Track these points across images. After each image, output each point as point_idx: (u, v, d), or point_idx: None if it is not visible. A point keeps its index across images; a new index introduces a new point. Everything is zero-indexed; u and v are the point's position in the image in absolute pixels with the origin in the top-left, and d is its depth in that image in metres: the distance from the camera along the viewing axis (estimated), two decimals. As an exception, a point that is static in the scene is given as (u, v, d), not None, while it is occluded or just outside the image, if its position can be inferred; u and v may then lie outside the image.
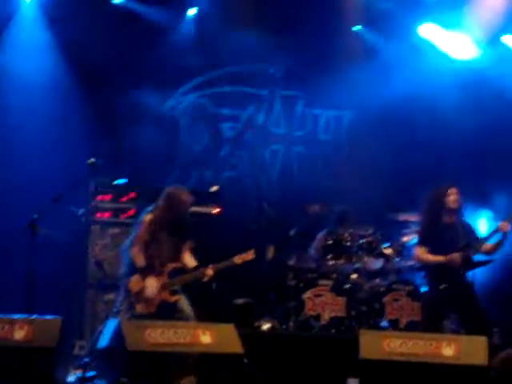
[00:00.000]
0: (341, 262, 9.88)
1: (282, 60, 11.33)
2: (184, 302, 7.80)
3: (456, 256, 7.42)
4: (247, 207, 11.21)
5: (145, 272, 7.72)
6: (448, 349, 6.60)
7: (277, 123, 11.90)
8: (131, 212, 9.80)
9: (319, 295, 9.53)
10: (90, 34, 10.43)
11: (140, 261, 7.73)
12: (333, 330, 9.38)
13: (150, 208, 8.08)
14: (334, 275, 9.70)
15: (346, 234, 9.98)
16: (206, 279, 7.86)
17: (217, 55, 11.29)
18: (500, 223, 7.44)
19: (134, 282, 7.72)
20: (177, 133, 11.54)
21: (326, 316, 9.47)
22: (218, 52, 11.23)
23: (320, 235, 10.22)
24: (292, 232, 10.24)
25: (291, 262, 10.01)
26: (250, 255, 8.00)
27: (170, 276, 7.78)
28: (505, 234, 7.43)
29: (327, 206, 10.39)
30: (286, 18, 11.20)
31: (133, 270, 7.80)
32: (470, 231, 7.61)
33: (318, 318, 9.45)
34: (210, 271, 7.81)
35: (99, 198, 9.74)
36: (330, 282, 9.59)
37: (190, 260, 7.97)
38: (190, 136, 11.66)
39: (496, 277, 9.71)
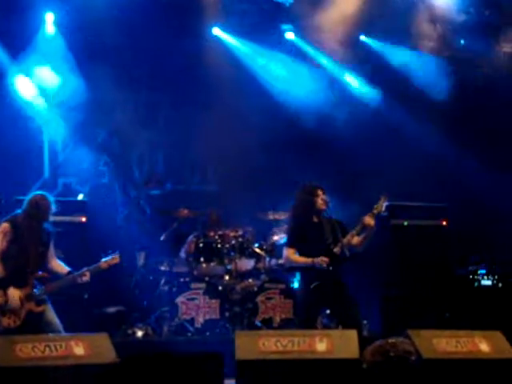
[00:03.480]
0: (213, 264, 9.92)
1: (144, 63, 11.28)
2: (50, 313, 7.60)
3: (322, 260, 7.53)
4: (115, 214, 11.11)
5: (5, 283, 7.47)
6: (321, 344, 6.69)
7: (142, 127, 11.78)
8: (-8, 224, 9.49)
9: (193, 299, 9.53)
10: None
11: None
12: (207, 333, 9.39)
13: (8, 216, 7.83)
14: (207, 278, 9.72)
15: (217, 236, 10.03)
16: (81, 282, 7.67)
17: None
18: (364, 217, 7.62)
19: None
20: (41, 141, 11.28)
21: (201, 319, 9.48)
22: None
23: (190, 238, 10.23)
24: (162, 237, 10.20)
25: (163, 267, 9.97)
26: (115, 259, 7.88)
27: (36, 286, 7.56)
28: (370, 228, 7.61)
29: (196, 210, 10.41)
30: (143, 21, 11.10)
31: None
32: (338, 228, 7.75)
33: (192, 321, 9.45)
34: (85, 276, 7.65)
35: (-42, 211, 9.39)
36: (202, 285, 9.60)
37: (61, 267, 7.78)
38: (55, 144, 11.42)
39: (362, 269, 9.98)
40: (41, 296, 7.58)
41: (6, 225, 7.61)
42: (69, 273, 7.71)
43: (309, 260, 7.57)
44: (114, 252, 7.86)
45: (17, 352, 6.21)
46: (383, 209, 7.72)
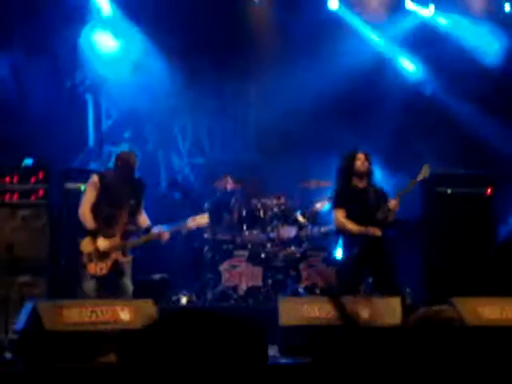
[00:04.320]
0: (255, 231, 9.95)
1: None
2: (128, 277, 7.84)
3: (374, 230, 7.58)
4: (159, 182, 11.17)
5: (96, 233, 7.72)
6: (364, 311, 6.74)
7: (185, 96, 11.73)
8: (41, 193, 9.61)
9: (235, 266, 9.59)
10: None
11: (90, 223, 7.73)
12: (250, 300, 9.45)
13: (99, 170, 8.10)
14: (250, 245, 9.77)
15: (259, 205, 10.05)
16: (163, 241, 7.92)
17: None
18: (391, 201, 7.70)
19: (85, 243, 7.72)
20: (85, 110, 11.34)
21: (243, 286, 9.54)
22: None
23: (233, 207, 10.26)
24: (205, 205, 10.24)
25: (206, 235, 10.03)
26: (204, 219, 8.05)
27: (124, 237, 7.79)
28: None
29: (238, 179, 10.43)
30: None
31: (84, 232, 7.82)
32: (381, 195, 7.78)
33: (235, 288, 9.51)
34: (165, 235, 7.84)
35: (6, 180, 9.52)
36: (245, 253, 9.66)
37: (145, 222, 8.00)
38: (98, 113, 11.47)
39: (406, 237, 9.97)
40: (127, 247, 7.80)
41: (95, 177, 7.91)
42: (146, 229, 7.90)
43: (362, 229, 7.61)
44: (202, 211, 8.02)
45: (63, 317, 6.34)
46: (427, 175, 7.75)
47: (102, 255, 7.69)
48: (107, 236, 7.74)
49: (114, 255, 7.73)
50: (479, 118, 11.38)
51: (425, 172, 7.76)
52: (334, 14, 11.73)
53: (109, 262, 7.71)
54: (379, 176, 8.16)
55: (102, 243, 7.70)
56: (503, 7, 11.54)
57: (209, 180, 10.77)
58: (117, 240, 7.75)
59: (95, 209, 7.78)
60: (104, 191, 7.80)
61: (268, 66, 11.27)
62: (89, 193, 7.86)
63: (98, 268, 7.68)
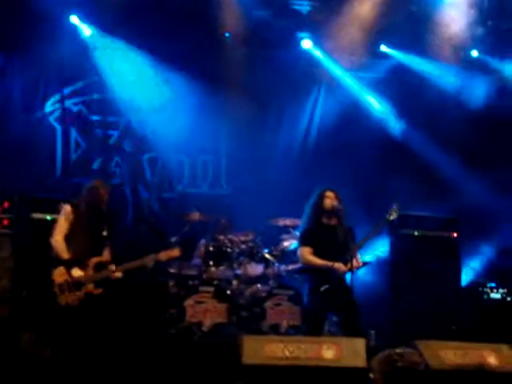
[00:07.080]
0: (222, 268, 9.91)
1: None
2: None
3: (342, 266, 7.57)
4: (127, 215, 11.11)
5: (69, 264, 7.64)
6: (329, 351, 6.69)
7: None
8: (6, 222, 9.54)
9: (201, 302, 9.52)
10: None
11: (64, 252, 7.65)
12: (214, 337, 9.38)
13: (71, 200, 8.01)
14: (216, 282, 9.71)
15: (227, 241, 10.02)
16: (113, 278, 7.85)
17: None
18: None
19: (58, 273, 7.62)
20: (54, 140, 11.29)
21: (208, 323, 9.45)
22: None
23: (201, 242, 10.23)
24: (173, 240, 10.18)
25: (172, 270, 9.97)
26: (175, 252, 8.04)
27: (97, 269, 7.73)
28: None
29: (207, 214, 10.40)
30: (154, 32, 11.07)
31: (57, 262, 7.71)
32: (349, 235, 7.76)
33: (199, 324, 9.43)
34: (117, 274, 7.81)
35: (-28, 209, 9.46)
36: (211, 289, 9.58)
37: (106, 255, 7.93)
38: (67, 143, 11.43)
39: (370, 279, 10.01)
40: (98, 280, 7.70)
41: (68, 208, 7.83)
42: (105, 263, 7.83)
43: (329, 263, 7.59)
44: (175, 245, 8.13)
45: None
46: (396, 216, 7.76)
47: (75, 286, 7.61)
48: (81, 267, 7.66)
49: (87, 287, 7.66)
50: (447, 161, 11.49)
51: (394, 213, 7.78)
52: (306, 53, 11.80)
53: (81, 295, 7.63)
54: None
55: (76, 274, 7.63)
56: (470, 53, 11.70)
57: (177, 214, 10.73)
58: (90, 272, 7.69)
59: (68, 239, 7.71)
60: (76, 222, 7.75)
61: (243, 103, 11.31)
62: (62, 222, 7.78)
63: (69, 299, 7.60)
